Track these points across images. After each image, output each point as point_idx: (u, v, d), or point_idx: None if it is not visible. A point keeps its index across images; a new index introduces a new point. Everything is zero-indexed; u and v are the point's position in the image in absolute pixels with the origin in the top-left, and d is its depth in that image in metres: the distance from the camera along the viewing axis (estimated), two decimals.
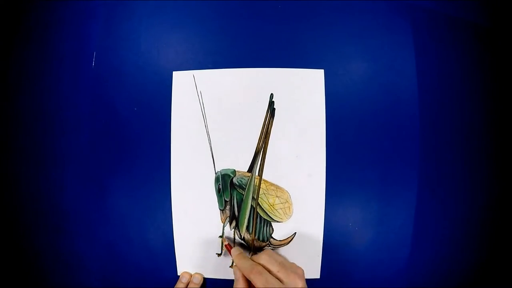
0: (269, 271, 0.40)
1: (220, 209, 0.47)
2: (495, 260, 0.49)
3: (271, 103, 0.46)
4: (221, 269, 0.47)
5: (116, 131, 0.48)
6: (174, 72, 0.47)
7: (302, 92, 0.46)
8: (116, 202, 0.48)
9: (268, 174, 0.46)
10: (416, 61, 0.47)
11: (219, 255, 0.47)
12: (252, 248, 0.47)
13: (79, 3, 0.49)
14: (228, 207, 0.46)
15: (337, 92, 0.46)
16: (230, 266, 0.47)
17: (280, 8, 0.47)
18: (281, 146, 0.46)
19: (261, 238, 0.46)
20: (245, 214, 0.46)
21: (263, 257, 0.41)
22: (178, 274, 0.47)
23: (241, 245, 0.47)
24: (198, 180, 0.47)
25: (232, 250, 0.44)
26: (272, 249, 0.46)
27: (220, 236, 0.47)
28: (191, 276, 0.47)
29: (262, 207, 0.46)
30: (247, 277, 0.40)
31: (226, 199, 0.46)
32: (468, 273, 0.49)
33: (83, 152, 0.49)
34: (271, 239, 0.46)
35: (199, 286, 0.46)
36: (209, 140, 0.46)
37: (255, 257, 0.42)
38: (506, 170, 0.49)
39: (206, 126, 0.46)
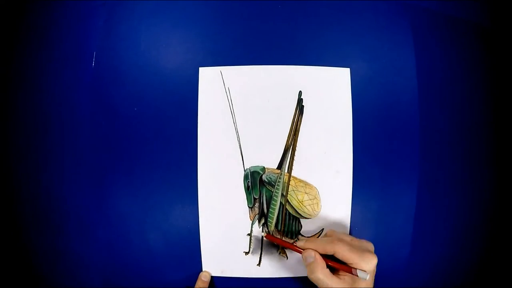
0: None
1: (249, 207, 0.46)
2: (495, 260, 0.50)
3: (300, 101, 0.46)
4: (249, 268, 0.46)
5: (116, 130, 0.47)
6: (200, 68, 0.46)
7: (329, 89, 0.47)
8: (117, 202, 0.47)
9: (297, 171, 0.46)
10: (416, 61, 0.48)
11: (246, 253, 0.46)
12: (280, 245, 0.46)
13: (79, 3, 0.49)
14: (257, 204, 0.46)
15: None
16: (257, 265, 0.46)
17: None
18: (309, 143, 0.46)
19: (289, 235, 0.46)
20: (274, 211, 0.46)
21: (328, 234, 0.44)
22: (204, 270, 0.47)
23: (269, 242, 0.47)
24: (227, 177, 0.46)
25: (298, 242, 0.43)
26: None
27: (249, 234, 0.46)
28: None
29: (291, 203, 0.46)
30: (328, 250, 0.39)
31: (255, 196, 0.46)
32: (468, 273, 0.49)
33: (83, 151, 0.47)
34: (299, 235, 0.47)
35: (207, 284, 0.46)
36: (238, 137, 0.46)
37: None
38: (506, 170, 0.50)
39: (234, 123, 0.46)
